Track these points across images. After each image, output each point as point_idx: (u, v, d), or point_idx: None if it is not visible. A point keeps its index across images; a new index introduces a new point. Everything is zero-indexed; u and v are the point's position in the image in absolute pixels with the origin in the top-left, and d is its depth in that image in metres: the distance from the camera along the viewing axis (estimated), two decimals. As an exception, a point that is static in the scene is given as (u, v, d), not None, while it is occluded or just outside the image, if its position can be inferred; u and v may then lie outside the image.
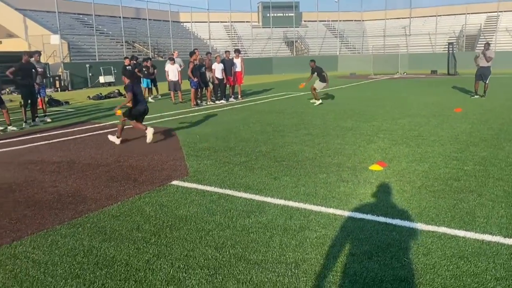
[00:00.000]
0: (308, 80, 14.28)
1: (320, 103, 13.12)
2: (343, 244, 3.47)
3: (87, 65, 26.38)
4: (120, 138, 7.83)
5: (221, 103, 14.59)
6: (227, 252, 3.37)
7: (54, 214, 4.29)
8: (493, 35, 41.01)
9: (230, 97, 15.47)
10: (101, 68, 26.73)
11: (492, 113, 10.21)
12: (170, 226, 3.92)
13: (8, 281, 3.01)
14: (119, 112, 7.73)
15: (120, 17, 32.32)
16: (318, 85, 13.63)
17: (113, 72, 27.07)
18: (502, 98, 13.53)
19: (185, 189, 5.01)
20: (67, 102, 15.97)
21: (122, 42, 32.56)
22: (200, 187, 5.05)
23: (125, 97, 16.33)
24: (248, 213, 4.19)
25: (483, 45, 14.69)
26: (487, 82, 13.74)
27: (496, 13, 43.76)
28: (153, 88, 17.24)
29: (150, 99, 16.34)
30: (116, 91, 18.75)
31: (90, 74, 26.24)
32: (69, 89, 24.18)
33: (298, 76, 31.80)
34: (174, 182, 5.27)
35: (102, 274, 3.08)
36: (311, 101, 13.75)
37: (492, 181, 4.95)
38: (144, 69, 16.17)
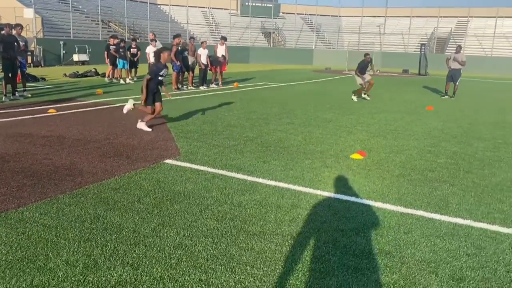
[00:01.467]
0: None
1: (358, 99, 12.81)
2: (332, 221, 3.80)
3: (61, 42, 25.77)
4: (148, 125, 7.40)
5: (203, 88, 14.71)
6: (228, 224, 3.64)
7: (54, 184, 4.42)
8: (462, 39, 42.62)
9: (212, 83, 15.59)
10: (75, 46, 26.16)
11: (461, 113, 10.85)
12: (170, 200, 4.14)
13: (22, 242, 3.17)
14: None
15: (96, -5, 31.58)
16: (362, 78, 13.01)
17: (87, 50, 26.54)
18: (470, 100, 14.31)
19: (179, 167, 5.22)
20: (43, 79, 15.65)
21: (98, 21, 31.85)
22: (193, 166, 5.27)
23: (103, 76, 16.19)
24: (242, 191, 4.46)
25: (454, 48, 15.40)
26: (457, 84, 14.49)
27: (466, 18, 45.42)
28: (133, 70, 17.13)
29: (128, 80, 16.27)
30: (93, 70, 18.48)
31: (64, 52, 25.65)
32: (42, 65, 23.57)
33: (275, 68, 32.11)
34: (167, 161, 5.47)
35: (112, 238, 3.29)
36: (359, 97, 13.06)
37: (462, 173, 5.42)
38: (121, 50, 16.05)
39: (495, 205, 4.34)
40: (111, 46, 15.76)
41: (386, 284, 2.83)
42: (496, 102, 14.10)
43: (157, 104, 7.45)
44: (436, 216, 4.00)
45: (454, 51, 14.91)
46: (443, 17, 44.49)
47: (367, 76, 12.98)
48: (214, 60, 15.40)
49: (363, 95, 13.13)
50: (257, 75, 23.02)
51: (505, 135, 8.03)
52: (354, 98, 12.77)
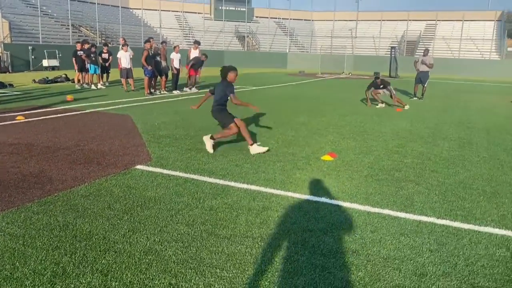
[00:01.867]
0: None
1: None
2: (302, 222, 3.89)
3: (30, 47, 25.19)
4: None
5: (177, 93, 14.65)
6: (198, 228, 3.67)
7: (21, 192, 4.35)
8: (431, 42, 43.83)
9: (189, 87, 15.53)
10: (45, 51, 25.60)
11: (428, 114, 11.19)
12: (141, 206, 4.14)
13: (-12, 252, 3.12)
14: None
15: (66, -1, 31.04)
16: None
17: (57, 56, 26.02)
18: (437, 101, 14.75)
19: (150, 173, 5.22)
20: (11, 85, 15.27)
21: (68, 25, 31.27)
22: (165, 171, 5.28)
23: (73, 82, 15.86)
24: (214, 195, 4.50)
25: (423, 50, 15.86)
26: (425, 85, 14.92)
27: (434, 22, 46.76)
28: (105, 75, 16.92)
29: (99, 85, 16.05)
30: (64, 75, 18.15)
31: (33, 57, 25.07)
32: (10, 71, 22.97)
33: (249, 71, 32.22)
34: (138, 167, 5.45)
35: (82, 246, 3.27)
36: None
37: (428, 173, 5.61)
38: (92, 55, 15.84)
39: (457, 203, 4.51)
40: (78, 52, 15.54)
41: (352, 282, 2.92)
42: (462, 102, 14.59)
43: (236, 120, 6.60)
44: (402, 215, 4.14)
45: (422, 54, 15.36)
46: (412, 20, 45.67)
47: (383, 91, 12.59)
48: (197, 63, 15.32)
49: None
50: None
51: (469, 135, 8.33)
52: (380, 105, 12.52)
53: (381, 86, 12.53)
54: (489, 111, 12.46)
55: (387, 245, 3.48)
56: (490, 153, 6.81)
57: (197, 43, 16.04)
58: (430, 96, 15.88)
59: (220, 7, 45.77)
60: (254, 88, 17.92)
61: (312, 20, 50.82)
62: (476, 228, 3.88)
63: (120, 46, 15.60)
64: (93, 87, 15.70)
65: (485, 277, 3.04)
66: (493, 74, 36.36)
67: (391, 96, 12.53)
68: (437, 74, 32.07)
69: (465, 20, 43.45)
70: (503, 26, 44.05)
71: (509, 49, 42.41)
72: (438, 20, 46.68)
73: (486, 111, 12.44)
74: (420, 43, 43.57)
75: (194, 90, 15.33)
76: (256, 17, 49.25)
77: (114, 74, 17.68)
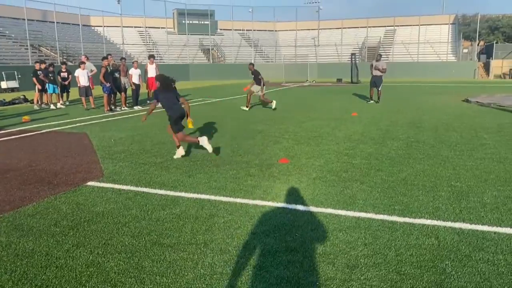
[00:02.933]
0: (252, 84, 14.25)
1: (246, 109, 13.77)
2: (247, 226, 4.02)
3: (-13, 69, 24.52)
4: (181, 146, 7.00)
5: (138, 108, 14.61)
6: (143, 239, 3.75)
7: (-35, 216, 4.31)
8: (391, 47, 45.27)
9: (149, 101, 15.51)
10: (2, 72, 24.99)
11: (382, 116, 11.60)
12: (88, 221, 4.18)
13: None
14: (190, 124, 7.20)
15: (24, 19, 30.43)
16: (255, 88, 13.88)
17: (16, 77, 25.44)
18: (392, 103, 15.28)
19: (101, 188, 5.25)
20: (-35, 109, 14.86)
21: (27, 46, 30.64)
22: (116, 186, 5.32)
23: (32, 102, 15.56)
24: (163, 206, 4.58)
25: (383, 55, 16.45)
26: (379, 89, 15.45)
27: (393, 27, 48.35)
28: (64, 94, 16.69)
29: (59, 105, 15.81)
30: (22, 97, 17.78)
31: (-10, 79, 24.41)
32: (-34, 95, 22.28)
33: (215, 83, 32.38)
34: (90, 183, 5.47)
35: (23, 263, 3.30)
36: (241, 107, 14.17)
37: (374, 172, 5.86)
38: (50, 75, 15.63)
39: (397, 198, 4.76)
40: (38, 72, 15.32)
41: (286, 278, 3.06)
42: (416, 103, 15.17)
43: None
44: (343, 212, 4.33)
45: (375, 59, 15.93)
46: (372, 27, 47.09)
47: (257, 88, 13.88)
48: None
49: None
50: (195, 91, 23.15)
51: (418, 134, 8.72)
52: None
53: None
54: (440, 110, 13.03)
55: (324, 241, 3.65)
56: (434, 150, 7.16)
57: (152, 57, 16.11)
58: (386, 99, 16.43)
59: (183, 21, 45.89)
60: (217, 99, 18.06)
61: (276, 31, 51.60)
62: (411, 220, 4.11)
63: (78, 64, 15.44)
64: (52, 106, 15.45)
65: (411, 264, 3.24)
66: (450, 75, 37.86)
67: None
68: (396, 78, 33.20)
69: (421, 25, 45.16)
70: (458, 29, 46.03)
71: (464, 50, 44.31)
72: (396, 26, 48.32)
73: (438, 110, 13.00)
74: (380, 49, 44.89)
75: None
76: (220, 29, 49.62)
77: (74, 93, 17.45)
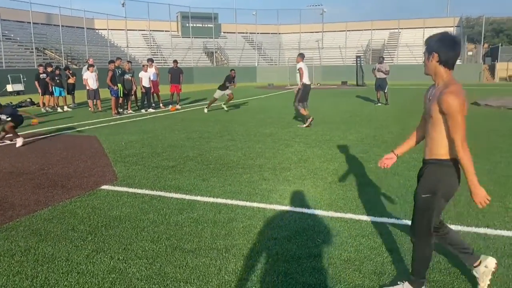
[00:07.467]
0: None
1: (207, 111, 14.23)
2: (266, 231, 3.96)
3: (-8, 73, 24.60)
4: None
5: (147, 111, 14.57)
6: (163, 244, 3.69)
7: (-19, 220, 4.26)
8: (395, 50, 45.21)
9: (152, 105, 15.49)
10: (8, 76, 25.07)
11: (392, 119, 11.53)
12: (105, 226, 4.13)
13: None
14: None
15: (29, 22, 30.54)
16: (217, 93, 14.34)
17: (22, 80, 25.52)
18: (402, 105, 15.22)
19: (116, 192, 5.20)
20: (-28, 112, 14.84)
21: (32, 49, 30.75)
22: (131, 190, 5.27)
23: (38, 105, 15.61)
24: (180, 210, 4.53)
25: (388, 58, 16.41)
26: (386, 91, 15.42)
27: (397, 30, 48.30)
28: (71, 96, 16.70)
29: (66, 108, 15.82)
30: (29, 100, 17.80)
31: (-4, 82, 24.50)
32: (-28, 97, 22.34)
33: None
34: (104, 187, 5.42)
35: (44, 269, 3.24)
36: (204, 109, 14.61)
37: (390, 176, 5.79)
38: (56, 78, 15.64)
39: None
40: (41, 75, 15.36)
41: (313, 285, 3.00)
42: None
43: None
44: (363, 217, 4.27)
45: (378, 62, 15.92)
46: (376, 29, 47.06)
47: (228, 91, 14.31)
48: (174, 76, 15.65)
49: (222, 105, 14.58)
50: (200, 95, 23.13)
51: (430, 137, 8.63)
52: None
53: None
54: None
55: (348, 247, 3.59)
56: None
57: (150, 60, 16.05)
58: (395, 102, 16.36)
59: (187, 24, 46.00)
60: (223, 103, 17.99)
61: (279, 33, 51.64)
62: (433, 225, 4.03)
63: (86, 67, 15.43)
64: (59, 109, 15.46)
65: (440, 272, 3.17)
66: (455, 77, 37.68)
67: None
68: (401, 81, 33.12)
69: (426, 27, 45.06)
70: (462, 31, 45.92)
71: (469, 53, 44.21)
72: (400, 28, 48.25)
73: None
74: (385, 51, 44.84)
75: (150, 110, 15.12)
76: (224, 32, 49.68)
77: (80, 96, 17.47)
